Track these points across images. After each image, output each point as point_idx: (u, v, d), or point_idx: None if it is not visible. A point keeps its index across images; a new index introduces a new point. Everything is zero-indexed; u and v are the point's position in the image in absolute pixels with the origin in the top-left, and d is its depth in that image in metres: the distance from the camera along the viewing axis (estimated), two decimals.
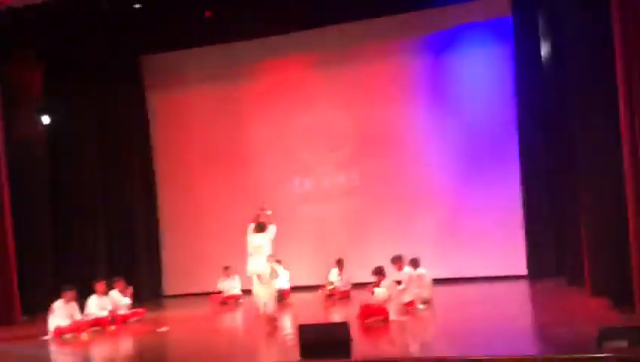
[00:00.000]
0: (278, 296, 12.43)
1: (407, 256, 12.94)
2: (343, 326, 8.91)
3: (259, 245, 12.09)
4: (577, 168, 11.65)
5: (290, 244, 16.53)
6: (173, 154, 17.83)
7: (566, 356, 7.66)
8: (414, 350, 9.50)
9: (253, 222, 12.34)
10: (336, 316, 12.58)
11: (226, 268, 15.60)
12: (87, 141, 16.85)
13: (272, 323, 11.65)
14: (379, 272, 11.66)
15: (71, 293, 12.48)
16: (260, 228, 12.26)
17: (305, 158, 17.05)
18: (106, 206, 17.10)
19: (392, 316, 10.99)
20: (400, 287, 11.91)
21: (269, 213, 12.22)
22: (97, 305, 13.13)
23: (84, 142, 16.80)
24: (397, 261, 12.51)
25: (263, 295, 11.97)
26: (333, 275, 15.10)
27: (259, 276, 12.01)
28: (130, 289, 13.93)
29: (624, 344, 8.21)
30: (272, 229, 12.30)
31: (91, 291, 13.29)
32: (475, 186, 15.80)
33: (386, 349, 9.51)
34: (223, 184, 17.40)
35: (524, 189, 15.37)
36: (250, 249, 12.16)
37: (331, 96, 16.92)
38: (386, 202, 16.44)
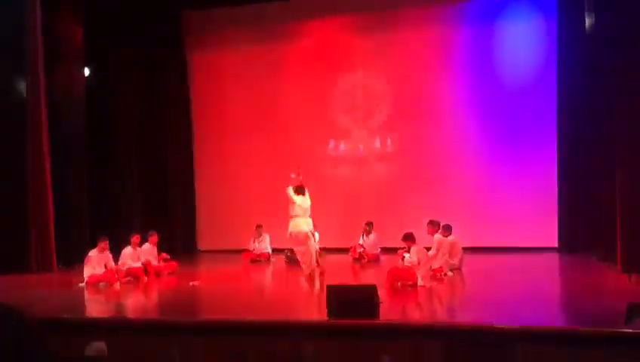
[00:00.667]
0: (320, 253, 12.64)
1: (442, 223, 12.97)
2: (371, 288, 8.99)
3: (307, 206, 12.25)
4: (616, 143, 11.49)
5: (321, 206, 16.59)
6: (211, 112, 17.94)
7: (593, 330, 7.66)
8: (441, 316, 9.56)
9: (292, 185, 12.42)
10: (365, 278, 12.67)
11: (258, 226, 15.76)
12: (125, 95, 17.02)
13: (321, 277, 11.79)
14: (409, 238, 11.69)
15: (105, 242, 12.74)
16: (301, 190, 12.37)
17: (340, 122, 17.04)
18: (141, 160, 17.33)
19: (420, 281, 11.04)
20: (430, 253, 11.94)
21: (300, 177, 12.29)
22: (131, 257, 13.39)
23: (122, 96, 16.97)
24: (431, 225, 12.52)
25: (314, 252, 12.16)
26: (363, 238, 15.18)
27: (312, 234, 12.21)
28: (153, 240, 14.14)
29: None
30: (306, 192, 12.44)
31: (126, 243, 13.55)
32: (510, 156, 15.69)
33: (413, 313, 9.59)
34: (258, 143, 17.49)
35: (560, 162, 15.23)
36: (297, 210, 12.28)
37: (369, 61, 16.82)
38: (420, 169, 16.41)
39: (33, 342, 1.27)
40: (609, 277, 11.41)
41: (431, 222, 12.57)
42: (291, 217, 12.32)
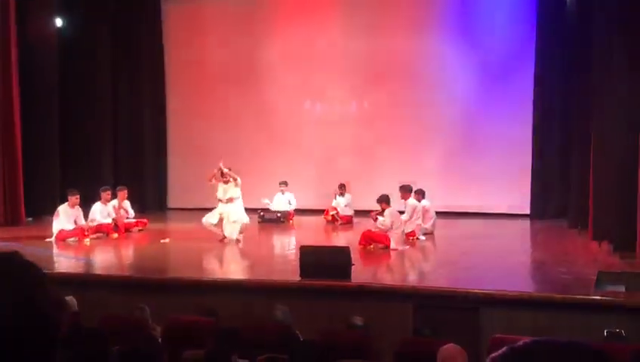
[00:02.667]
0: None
1: (415, 188, 12.99)
2: (344, 250, 9.00)
3: (223, 197, 12.18)
4: (592, 112, 11.55)
5: (296, 167, 16.57)
6: (185, 67, 17.65)
7: (563, 296, 7.75)
8: (412, 279, 9.61)
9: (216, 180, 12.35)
10: (338, 240, 12.69)
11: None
12: (99, 46, 16.65)
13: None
14: (384, 200, 11.68)
15: (76, 197, 12.56)
16: (225, 181, 12.29)
17: (317, 82, 16.88)
18: (114, 114, 17.04)
19: (393, 244, 11.07)
20: (403, 217, 11.95)
21: (226, 170, 12.18)
22: (101, 213, 13.23)
23: (96, 47, 16.60)
24: (403, 190, 12.51)
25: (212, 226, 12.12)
26: (336, 200, 15.13)
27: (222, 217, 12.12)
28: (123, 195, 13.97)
29: (621, 289, 8.29)
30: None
31: (96, 198, 13.38)
32: (486, 123, 15.69)
33: (385, 276, 9.62)
34: (233, 101, 17.27)
35: (535, 130, 15.28)
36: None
37: (348, 21, 16.62)
38: (396, 132, 16.35)
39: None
40: (580, 244, 11.55)
41: (403, 187, 12.56)
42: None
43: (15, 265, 1.29)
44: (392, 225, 11.30)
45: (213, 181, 12.37)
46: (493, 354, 0.99)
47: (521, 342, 0.99)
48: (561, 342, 0.99)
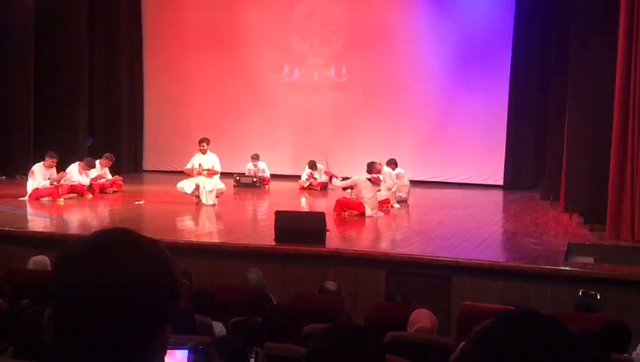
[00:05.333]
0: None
1: (389, 156, 13.11)
2: (319, 215, 9.05)
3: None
4: (567, 87, 11.65)
5: (274, 132, 16.55)
6: (163, 30, 17.45)
7: (532, 266, 7.89)
8: (384, 246, 9.70)
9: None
10: (314, 207, 12.73)
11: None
12: (75, 9, 16.33)
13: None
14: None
15: (53, 161, 12.44)
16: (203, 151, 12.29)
17: (296, 48, 16.78)
18: (90, 77, 16.82)
19: (368, 211, 11.14)
20: (388, 184, 12.14)
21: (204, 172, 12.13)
22: (78, 173, 13.09)
23: (72, 9, 16.29)
24: (372, 166, 12.57)
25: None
26: (305, 175, 15.05)
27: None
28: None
29: (590, 260, 8.46)
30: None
31: (69, 162, 13.22)
32: (463, 93, 15.74)
33: (358, 243, 9.70)
34: (211, 65, 17.13)
35: (511, 101, 15.36)
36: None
37: None
38: (373, 100, 16.36)
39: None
40: (551, 215, 11.71)
41: (373, 163, 12.61)
42: None
43: (142, 240, 1.35)
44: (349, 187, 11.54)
45: (195, 173, 12.25)
46: (480, 326, 1.01)
47: (503, 313, 1.01)
48: (549, 317, 1.02)
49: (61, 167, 12.95)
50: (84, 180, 13.07)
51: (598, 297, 6.38)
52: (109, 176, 13.81)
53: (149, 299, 1.28)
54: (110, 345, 1.25)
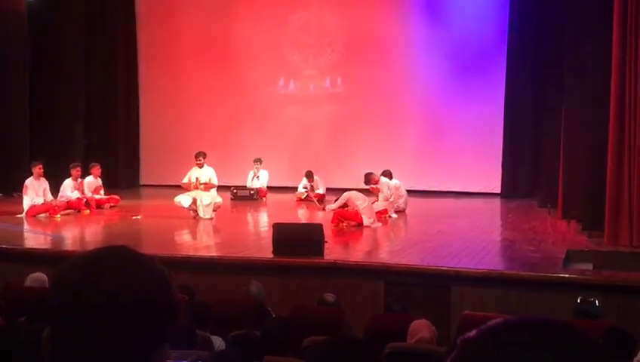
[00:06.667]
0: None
1: (385, 166, 13.12)
2: (317, 227, 9.04)
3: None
4: (563, 94, 11.66)
5: (270, 144, 16.54)
6: (159, 43, 17.47)
7: (531, 274, 7.87)
8: (383, 256, 9.68)
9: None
10: (311, 218, 12.71)
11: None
12: (71, 22, 16.39)
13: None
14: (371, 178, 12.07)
15: (39, 167, 12.39)
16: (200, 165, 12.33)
17: (291, 60, 16.81)
18: (87, 92, 16.83)
19: (366, 222, 11.13)
20: (385, 195, 12.17)
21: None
22: (71, 188, 13.09)
23: (68, 22, 16.35)
24: (370, 178, 12.57)
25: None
26: (302, 186, 15.05)
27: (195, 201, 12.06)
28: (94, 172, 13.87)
29: (589, 267, 8.45)
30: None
31: (67, 174, 13.25)
32: (459, 102, 15.76)
33: (357, 253, 9.68)
34: (206, 79, 17.15)
35: (507, 109, 15.39)
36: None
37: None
38: (369, 110, 16.38)
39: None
40: (549, 223, 11.70)
41: (370, 174, 12.61)
42: None
43: (138, 257, 1.35)
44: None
45: (192, 186, 12.25)
46: (464, 336, 0.99)
47: (491, 322, 0.99)
48: (532, 319, 0.98)
49: (57, 180, 12.93)
50: (75, 195, 13.01)
51: (597, 304, 6.36)
52: (102, 187, 13.78)
53: (147, 317, 1.27)
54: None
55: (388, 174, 12.98)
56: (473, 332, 0.98)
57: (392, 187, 12.61)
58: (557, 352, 0.92)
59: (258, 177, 15.38)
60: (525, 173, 15.22)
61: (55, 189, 12.82)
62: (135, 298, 1.26)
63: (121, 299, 1.25)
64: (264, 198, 15.10)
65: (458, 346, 0.98)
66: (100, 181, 13.85)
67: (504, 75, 15.33)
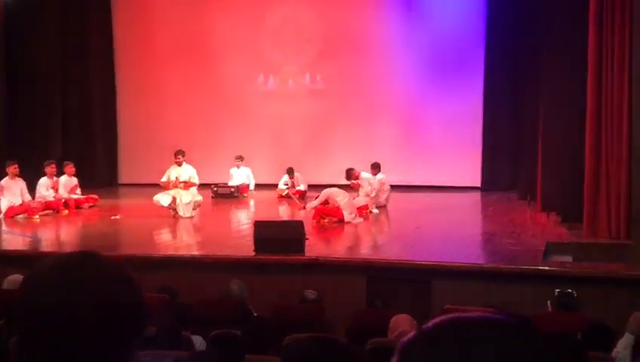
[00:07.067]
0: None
1: (365, 162, 13.13)
2: (297, 224, 9.02)
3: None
4: (541, 87, 11.73)
5: (250, 141, 16.48)
6: (135, 41, 17.31)
7: (512, 267, 7.91)
8: (365, 252, 9.68)
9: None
10: (292, 215, 12.68)
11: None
12: (46, 20, 16.20)
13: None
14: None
15: (14, 167, 12.25)
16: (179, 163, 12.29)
17: (270, 56, 16.75)
18: (63, 92, 16.67)
19: (347, 218, 11.12)
20: (366, 191, 12.19)
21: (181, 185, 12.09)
22: (46, 187, 12.96)
23: (43, 21, 16.16)
24: (351, 173, 12.57)
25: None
26: (283, 183, 15.01)
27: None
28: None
29: (569, 259, 8.50)
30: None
31: (43, 174, 13.11)
32: (437, 97, 15.79)
33: (338, 249, 9.68)
34: (185, 76, 17.03)
35: (486, 103, 15.46)
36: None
37: None
38: (349, 106, 16.37)
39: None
40: (529, 215, 11.76)
41: (351, 169, 12.60)
42: None
43: (106, 262, 1.33)
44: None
45: (171, 185, 12.18)
46: (403, 340, 0.98)
47: (429, 323, 0.97)
48: (474, 316, 0.96)
49: (33, 180, 12.80)
50: (50, 193, 12.88)
51: (575, 294, 6.40)
52: (78, 188, 13.66)
53: (116, 322, 1.26)
54: None
55: (376, 167, 13.02)
56: (410, 335, 0.97)
57: (374, 182, 12.61)
58: (493, 350, 0.90)
59: (231, 176, 15.32)
60: (505, 166, 15.30)
61: (32, 189, 12.68)
62: (103, 303, 1.26)
63: (90, 304, 1.24)
64: (246, 195, 15.05)
65: (397, 350, 0.96)
66: (75, 180, 13.72)
67: (482, 69, 15.40)
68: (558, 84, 10.82)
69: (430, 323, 0.97)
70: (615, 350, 4.95)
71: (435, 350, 0.93)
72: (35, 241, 10.39)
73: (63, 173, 13.62)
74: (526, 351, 0.92)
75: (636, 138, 8.58)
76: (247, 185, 15.31)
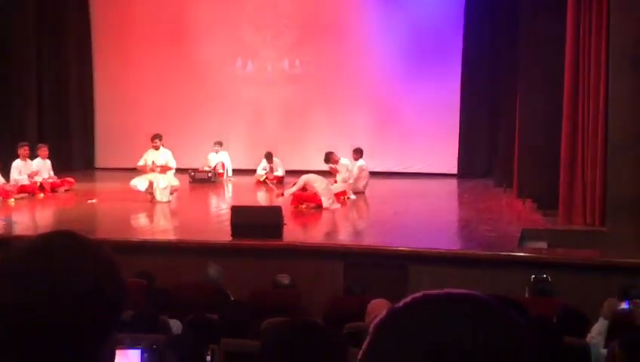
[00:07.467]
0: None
1: (342, 148, 13.13)
2: (275, 209, 9.02)
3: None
4: (518, 75, 11.79)
5: (228, 126, 16.41)
6: (112, 26, 17.09)
7: (488, 253, 7.98)
8: (343, 238, 9.71)
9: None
10: (270, 200, 12.67)
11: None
12: (22, 4, 15.92)
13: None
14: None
15: None
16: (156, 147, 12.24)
17: (248, 40, 16.64)
18: (38, 73, 16.44)
19: (325, 203, 11.13)
20: (343, 177, 12.20)
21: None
22: (19, 170, 12.81)
23: (19, 4, 15.88)
24: (329, 157, 12.58)
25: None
26: (261, 168, 14.96)
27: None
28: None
29: (544, 245, 8.59)
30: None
31: (15, 156, 12.97)
32: (415, 83, 15.80)
33: (316, 235, 9.70)
34: (162, 60, 16.86)
35: (463, 91, 15.50)
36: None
37: None
38: (327, 92, 16.33)
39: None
40: (505, 202, 11.86)
41: (331, 153, 12.62)
42: None
43: (85, 242, 1.29)
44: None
45: (148, 169, 12.10)
46: (375, 320, 0.98)
47: (400, 303, 0.98)
48: (442, 294, 0.96)
49: (8, 163, 12.67)
50: (23, 177, 12.75)
51: (549, 279, 6.48)
52: (51, 170, 13.53)
53: (93, 303, 1.24)
54: (55, 353, 1.21)
55: (358, 152, 13.06)
56: (382, 315, 0.98)
57: (352, 168, 12.63)
58: (465, 327, 0.91)
59: (209, 161, 15.24)
60: (481, 153, 15.38)
61: (7, 173, 12.55)
62: (81, 283, 1.23)
63: (67, 284, 1.21)
64: (222, 178, 14.98)
65: (370, 332, 0.97)
66: (48, 163, 13.57)
67: (460, 56, 15.42)
68: (535, 72, 10.89)
69: (401, 303, 0.97)
70: (589, 335, 5.02)
71: (407, 327, 0.93)
72: (9, 225, 10.28)
73: (37, 156, 13.46)
74: (499, 327, 0.92)
75: (612, 127, 8.66)
76: (223, 164, 15.21)
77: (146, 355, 1.89)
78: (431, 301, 0.96)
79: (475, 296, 0.96)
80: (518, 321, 0.94)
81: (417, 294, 0.98)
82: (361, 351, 0.96)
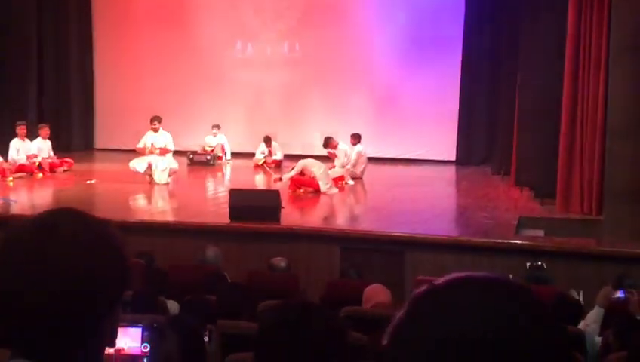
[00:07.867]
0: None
1: (341, 133, 13.13)
2: (273, 193, 9.05)
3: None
4: (518, 63, 11.79)
5: (227, 109, 16.39)
6: (113, 7, 17.02)
7: (485, 240, 8.01)
8: (340, 222, 9.75)
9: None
10: (268, 184, 12.69)
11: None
12: None
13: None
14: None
15: None
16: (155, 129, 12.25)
17: (248, 23, 16.59)
18: (39, 54, 16.39)
19: (323, 188, 11.15)
20: (340, 162, 12.21)
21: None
22: (17, 149, 12.80)
23: None
24: (328, 142, 12.59)
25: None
26: (260, 152, 14.94)
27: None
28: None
29: (540, 233, 8.63)
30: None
31: (13, 135, 12.97)
32: (415, 70, 15.76)
33: (313, 219, 9.73)
34: (162, 42, 16.81)
35: (463, 78, 15.46)
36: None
37: None
38: (327, 76, 16.30)
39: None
40: (502, 190, 11.88)
41: (330, 138, 12.63)
42: None
43: (89, 220, 1.31)
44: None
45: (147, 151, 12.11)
46: (417, 291, 0.99)
47: (442, 279, 1.00)
48: (482, 276, 0.98)
49: (7, 142, 12.66)
50: (21, 157, 12.74)
51: (544, 266, 6.53)
52: (51, 150, 13.52)
53: (98, 281, 1.25)
54: (58, 330, 1.23)
55: (357, 137, 13.04)
56: (422, 289, 0.99)
57: (350, 153, 12.64)
58: (506, 311, 0.93)
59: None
60: (480, 140, 15.37)
61: (5, 152, 12.55)
62: (86, 261, 1.24)
63: (72, 264, 1.23)
64: (221, 161, 14.96)
65: (407, 303, 0.98)
66: (49, 143, 13.56)
67: (461, 43, 15.37)
68: (535, 60, 10.89)
69: (442, 280, 0.98)
70: (584, 323, 5.06)
71: (447, 302, 0.94)
72: (7, 204, 10.29)
73: (38, 136, 13.46)
74: (536, 313, 0.95)
75: (611, 116, 8.68)
76: (223, 147, 15.19)
77: (146, 333, 1.92)
78: (473, 282, 0.97)
79: (513, 281, 0.99)
80: (549, 309, 0.97)
81: (460, 274, 0.98)
82: (392, 323, 0.97)
